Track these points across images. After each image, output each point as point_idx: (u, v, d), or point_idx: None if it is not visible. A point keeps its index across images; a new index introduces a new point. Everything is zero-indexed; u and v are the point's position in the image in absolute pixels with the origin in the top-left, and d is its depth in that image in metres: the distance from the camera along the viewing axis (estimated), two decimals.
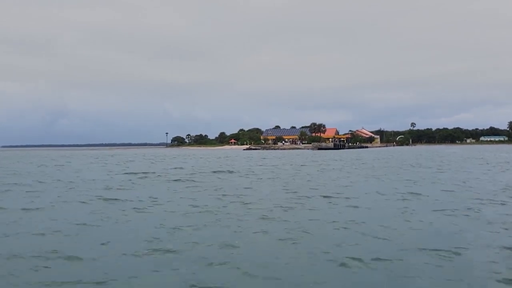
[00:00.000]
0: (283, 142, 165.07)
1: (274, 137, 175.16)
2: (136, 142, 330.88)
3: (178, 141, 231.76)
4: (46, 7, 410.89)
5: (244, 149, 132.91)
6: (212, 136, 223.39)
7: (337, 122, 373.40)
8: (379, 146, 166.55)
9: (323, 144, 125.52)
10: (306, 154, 72.63)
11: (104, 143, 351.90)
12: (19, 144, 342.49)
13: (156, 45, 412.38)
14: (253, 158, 56.54)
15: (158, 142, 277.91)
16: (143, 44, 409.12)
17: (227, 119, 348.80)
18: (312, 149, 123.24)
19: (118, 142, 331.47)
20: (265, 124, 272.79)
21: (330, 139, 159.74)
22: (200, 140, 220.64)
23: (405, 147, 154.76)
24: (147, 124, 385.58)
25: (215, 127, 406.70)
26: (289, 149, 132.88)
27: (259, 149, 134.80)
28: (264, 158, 53.93)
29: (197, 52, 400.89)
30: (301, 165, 36.45)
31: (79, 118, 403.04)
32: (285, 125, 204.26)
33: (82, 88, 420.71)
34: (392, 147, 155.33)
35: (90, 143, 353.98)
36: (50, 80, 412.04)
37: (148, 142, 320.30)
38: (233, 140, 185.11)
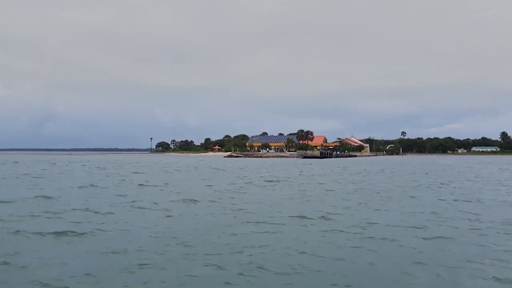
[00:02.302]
0: (268, 149, 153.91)
1: (259, 144, 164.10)
2: (124, 147, 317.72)
3: (163, 147, 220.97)
4: (37, 7, 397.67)
5: (225, 157, 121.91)
6: (199, 142, 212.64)
7: (328, 130, 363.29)
8: (369, 155, 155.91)
9: (309, 152, 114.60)
10: (279, 165, 61.23)
11: (91, 147, 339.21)
12: (6, 147, 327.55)
13: (148, 49, 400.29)
14: (196, 171, 44.89)
15: (146, 147, 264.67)
16: (135, 47, 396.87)
17: (217, 125, 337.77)
18: (297, 157, 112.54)
19: (105, 147, 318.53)
20: (255, 131, 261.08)
21: (318, 147, 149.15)
22: (185, 146, 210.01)
23: (395, 157, 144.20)
24: (137, 129, 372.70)
25: (205, 133, 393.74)
26: (273, 157, 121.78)
27: (241, 156, 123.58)
28: (210, 176, 42.43)
29: (190, 56, 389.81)
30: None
31: (67, 122, 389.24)
32: (275, 132, 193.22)
33: (71, 91, 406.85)
34: (382, 156, 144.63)
35: (77, 147, 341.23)
36: (38, 82, 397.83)
37: (136, 147, 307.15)
38: (217, 147, 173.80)
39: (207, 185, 22.52)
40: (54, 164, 52.41)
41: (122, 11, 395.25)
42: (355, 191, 20.14)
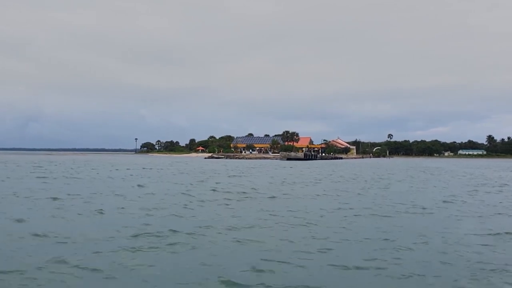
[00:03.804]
0: (251, 150, 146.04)
1: (244, 145, 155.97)
2: (111, 147, 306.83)
3: (148, 148, 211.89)
4: (26, 8, 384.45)
5: (205, 158, 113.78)
6: (185, 143, 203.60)
7: (315, 132, 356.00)
8: (355, 158, 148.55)
9: (292, 154, 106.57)
10: (254, 168, 53.31)
11: (78, 148, 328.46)
12: None
13: (137, 50, 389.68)
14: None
15: (132, 148, 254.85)
16: (123, 49, 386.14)
17: (204, 126, 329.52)
18: (281, 159, 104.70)
19: (92, 147, 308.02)
20: (242, 132, 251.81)
21: (304, 149, 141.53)
22: (170, 147, 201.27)
23: (383, 159, 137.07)
24: (124, 130, 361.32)
25: (192, 134, 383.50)
26: (256, 158, 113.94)
27: (222, 157, 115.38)
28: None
29: (179, 58, 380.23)
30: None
31: (54, 122, 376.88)
32: (262, 134, 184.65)
33: (58, 92, 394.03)
34: (368, 159, 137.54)
35: (64, 147, 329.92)
36: (25, 82, 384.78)
37: (122, 148, 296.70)
38: (200, 148, 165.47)
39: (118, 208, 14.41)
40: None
41: (111, 13, 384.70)
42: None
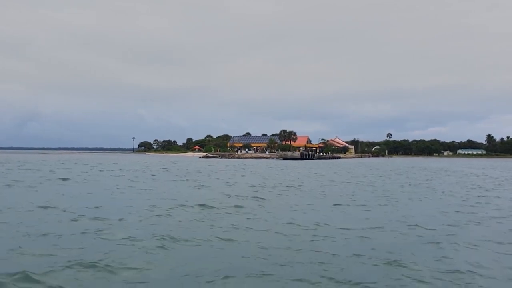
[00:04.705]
0: (247, 150, 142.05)
1: (241, 145, 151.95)
2: (109, 147, 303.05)
3: (145, 147, 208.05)
4: (27, 7, 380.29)
5: (200, 157, 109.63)
6: (183, 142, 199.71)
7: (314, 132, 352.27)
8: (353, 157, 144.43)
9: (289, 154, 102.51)
10: (242, 169, 49.16)
11: (76, 147, 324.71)
12: None
13: (136, 50, 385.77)
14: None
15: (131, 147, 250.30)
16: (122, 48, 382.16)
17: (203, 126, 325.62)
18: (277, 158, 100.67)
19: (90, 146, 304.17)
20: (240, 132, 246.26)
21: (301, 148, 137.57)
22: (168, 146, 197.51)
23: (382, 159, 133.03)
24: (123, 129, 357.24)
25: (191, 134, 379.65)
26: (251, 157, 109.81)
27: (217, 157, 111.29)
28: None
29: (178, 58, 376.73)
30: None
31: (53, 122, 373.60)
32: (260, 133, 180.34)
33: (57, 91, 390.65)
34: (367, 159, 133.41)
35: (63, 147, 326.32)
36: (23, 82, 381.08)
37: (121, 147, 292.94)
38: (197, 147, 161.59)
39: None
40: None
41: (111, 13, 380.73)
42: None
